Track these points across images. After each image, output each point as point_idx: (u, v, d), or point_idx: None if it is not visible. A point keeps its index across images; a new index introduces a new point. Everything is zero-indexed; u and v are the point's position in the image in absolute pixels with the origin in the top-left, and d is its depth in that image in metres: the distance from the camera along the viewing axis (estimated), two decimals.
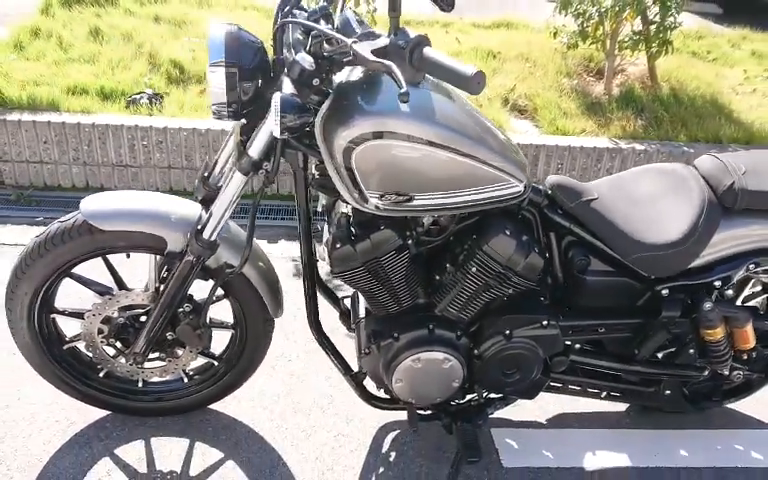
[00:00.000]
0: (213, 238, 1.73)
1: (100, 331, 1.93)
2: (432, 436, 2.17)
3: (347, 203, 1.76)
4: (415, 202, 1.65)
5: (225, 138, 1.85)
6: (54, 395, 2.20)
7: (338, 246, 1.75)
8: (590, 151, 3.65)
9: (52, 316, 1.97)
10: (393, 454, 2.11)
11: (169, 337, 1.92)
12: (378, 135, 1.55)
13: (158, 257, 1.89)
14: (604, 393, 2.11)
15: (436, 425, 2.08)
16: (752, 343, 1.93)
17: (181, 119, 3.53)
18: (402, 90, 1.24)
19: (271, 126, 1.58)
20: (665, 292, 1.89)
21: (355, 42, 1.38)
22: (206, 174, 1.90)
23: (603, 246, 1.86)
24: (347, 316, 2.13)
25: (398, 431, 2.20)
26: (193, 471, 2.01)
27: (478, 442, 1.92)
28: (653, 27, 4.12)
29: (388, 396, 2.05)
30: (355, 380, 2.03)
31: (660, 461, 2.16)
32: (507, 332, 1.86)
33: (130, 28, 4.42)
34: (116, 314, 1.92)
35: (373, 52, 1.35)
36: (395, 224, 1.75)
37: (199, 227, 1.73)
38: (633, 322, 1.93)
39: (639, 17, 4.09)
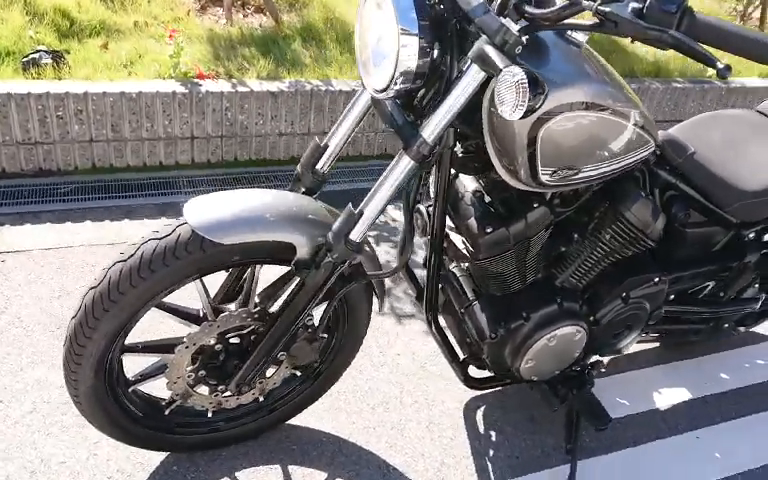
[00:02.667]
0: (361, 239, 1.46)
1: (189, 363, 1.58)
2: (518, 408, 2.11)
3: (496, 180, 1.60)
4: (581, 174, 1.53)
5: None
6: (88, 447, 1.80)
7: (489, 230, 1.59)
8: None
9: (121, 356, 1.56)
10: (493, 434, 2.02)
11: (280, 357, 1.62)
12: (571, 107, 1.40)
13: (256, 268, 1.57)
14: (674, 336, 2.19)
15: (511, 396, 2.09)
16: None
17: (104, 83, 2.94)
18: (721, 66, 1.10)
19: (454, 100, 1.33)
20: (751, 235, 1.98)
21: (600, 4, 1.20)
22: (314, 161, 1.59)
23: (699, 196, 1.89)
24: None
25: (482, 408, 2.11)
26: None
27: (603, 408, 1.90)
28: None
29: (491, 376, 1.95)
30: (461, 367, 1.90)
31: (712, 388, 2.32)
32: (624, 294, 1.83)
33: None
34: (213, 341, 1.57)
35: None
36: (544, 200, 1.62)
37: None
38: (723, 267, 2.01)
39: None
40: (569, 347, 1.82)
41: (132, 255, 1.39)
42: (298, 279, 1.52)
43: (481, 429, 2.04)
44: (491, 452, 1.97)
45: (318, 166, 1.60)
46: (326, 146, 1.60)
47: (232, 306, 1.62)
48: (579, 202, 1.71)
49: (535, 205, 1.60)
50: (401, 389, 2.14)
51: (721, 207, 1.89)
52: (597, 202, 1.72)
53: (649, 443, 2.06)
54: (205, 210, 1.40)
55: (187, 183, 3.08)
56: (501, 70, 1.23)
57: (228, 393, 1.64)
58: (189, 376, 1.60)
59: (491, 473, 1.90)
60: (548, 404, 1.89)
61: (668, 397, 2.26)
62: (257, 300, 1.61)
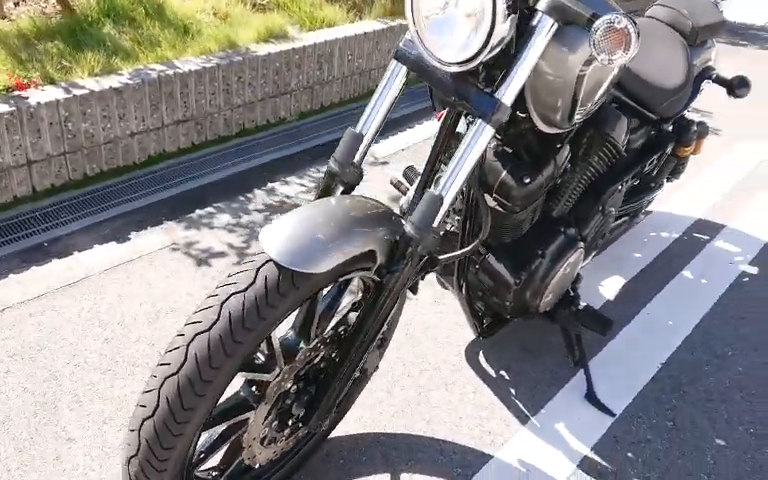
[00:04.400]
0: (440, 224, 1.35)
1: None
2: (509, 345, 2.18)
3: (516, 131, 1.59)
4: (596, 105, 1.59)
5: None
6: None
7: (527, 181, 1.59)
8: (372, 36, 3.68)
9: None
10: (505, 374, 2.07)
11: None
12: None
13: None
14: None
15: (497, 337, 2.14)
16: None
17: None
18: None
19: (529, 58, 1.28)
20: (670, 127, 2.24)
21: None
22: (352, 153, 1.42)
23: (633, 102, 2.07)
24: None
25: (480, 354, 2.14)
26: None
27: (603, 314, 2.03)
28: None
29: (495, 321, 2.00)
30: (480, 321, 1.91)
31: (634, 269, 2.62)
32: (601, 208, 1.98)
33: None
34: (290, 384, 1.37)
35: None
36: (562, 139, 1.65)
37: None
38: (650, 160, 2.24)
39: None
40: (574, 271, 1.92)
41: (216, 320, 1.13)
42: (369, 288, 1.38)
43: (493, 374, 2.07)
44: (513, 391, 2.02)
45: (355, 159, 1.43)
46: (361, 134, 1.43)
47: (288, 336, 1.42)
48: (572, 133, 1.78)
49: (558, 145, 1.63)
50: (402, 363, 2.08)
51: (651, 109, 2.09)
52: (584, 128, 1.80)
53: (619, 332, 2.28)
54: (287, 241, 1.18)
55: (41, 218, 2.56)
56: (590, 19, 1.21)
57: (304, 432, 1.45)
58: (264, 430, 1.38)
59: (526, 411, 1.96)
60: (571, 329, 1.99)
61: (607, 290, 2.50)
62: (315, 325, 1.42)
